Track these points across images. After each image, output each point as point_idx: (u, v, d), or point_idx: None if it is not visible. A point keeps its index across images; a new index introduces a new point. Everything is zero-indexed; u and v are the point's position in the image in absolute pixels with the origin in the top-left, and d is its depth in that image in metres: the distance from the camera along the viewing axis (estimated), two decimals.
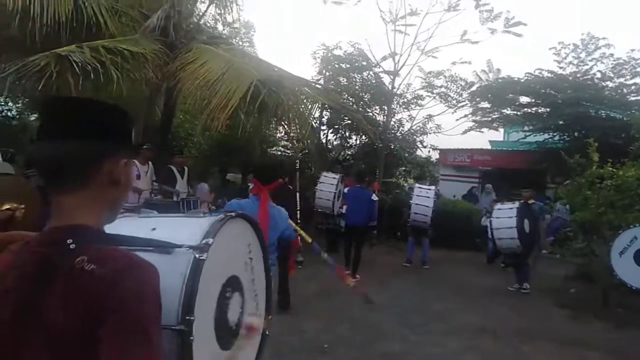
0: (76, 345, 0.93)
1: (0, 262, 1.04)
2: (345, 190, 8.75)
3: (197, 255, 1.21)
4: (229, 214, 1.44)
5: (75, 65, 6.39)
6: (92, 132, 1.03)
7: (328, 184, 9.14)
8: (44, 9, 6.84)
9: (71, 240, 0.99)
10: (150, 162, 7.69)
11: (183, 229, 1.33)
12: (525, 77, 13.01)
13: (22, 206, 2.76)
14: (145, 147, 7.49)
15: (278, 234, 3.36)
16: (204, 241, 1.25)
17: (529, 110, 13.93)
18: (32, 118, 12.96)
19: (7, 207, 2.72)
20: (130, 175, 1.15)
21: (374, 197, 7.99)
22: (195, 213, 1.47)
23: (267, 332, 1.69)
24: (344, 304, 6.35)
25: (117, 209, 1.14)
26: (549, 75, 12.86)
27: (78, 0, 7.29)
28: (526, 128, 14.52)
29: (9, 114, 11.89)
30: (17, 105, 12.43)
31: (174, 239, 1.25)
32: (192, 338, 1.14)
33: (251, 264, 1.57)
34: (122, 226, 1.36)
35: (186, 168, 8.24)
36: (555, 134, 13.94)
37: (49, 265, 0.97)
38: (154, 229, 1.36)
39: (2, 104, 11.64)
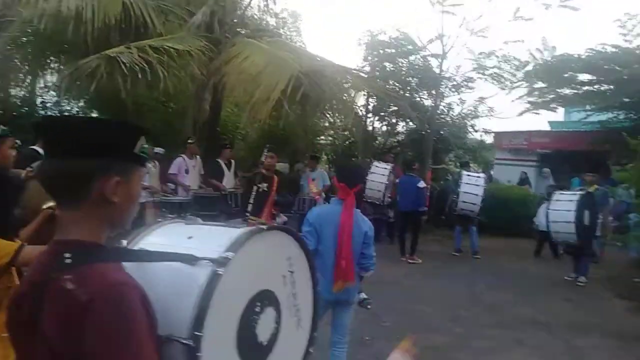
0: (67, 357, 0.96)
1: (28, 270, 1.13)
2: (397, 180, 8.81)
3: (215, 269, 1.19)
4: (261, 226, 1.41)
5: (123, 66, 6.67)
6: (80, 151, 1.04)
7: (379, 174, 9.00)
8: (95, 13, 7.15)
9: (69, 255, 1.00)
10: (198, 156, 7.92)
11: (215, 240, 1.31)
12: (586, 53, 12.14)
13: None
14: (190, 141, 7.71)
15: (360, 242, 3.28)
16: (224, 254, 1.22)
17: (591, 89, 13.01)
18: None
19: (49, 205, 2.89)
20: (132, 193, 1.13)
21: (421, 184, 8.21)
22: (235, 223, 1.46)
23: (310, 350, 1.63)
24: (391, 295, 6.29)
25: (121, 224, 1.15)
26: (613, 49, 11.92)
27: (126, 2, 7.57)
28: (588, 107, 13.61)
29: (69, 114, 12.60)
30: (78, 104, 13.19)
31: (202, 249, 1.24)
32: (199, 355, 1.12)
33: (292, 278, 1.51)
34: (168, 233, 1.41)
35: (233, 161, 8.41)
36: (620, 112, 12.96)
37: (46, 277, 1.00)
38: (190, 237, 1.36)
39: (63, 104, 12.36)
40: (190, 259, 1.21)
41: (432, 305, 5.92)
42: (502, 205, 10.67)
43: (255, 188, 6.22)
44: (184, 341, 1.12)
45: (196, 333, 1.12)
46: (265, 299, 1.38)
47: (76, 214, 1.06)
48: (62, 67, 8.82)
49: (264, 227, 1.43)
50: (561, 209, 7.06)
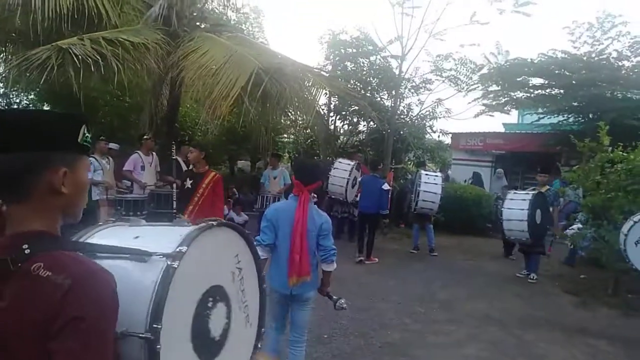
0: (27, 347, 0.95)
1: None
2: (359, 179, 8.78)
3: (169, 263, 1.19)
4: (210, 222, 1.41)
5: (75, 58, 6.40)
6: (23, 144, 1.04)
7: (342, 170, 9.07)
8: (44, 1, 6.83)
9: (27, 246, 1.01)
10: (154, 153, 7.71)
11: (163, 238, 1.31)
12: (538, 58, 12.65)
13: None
14: (146, 137, 7.50)
15: (315, 236, 3.32)
16: (177, 249, 1.22)
17: (543, 92, 13.57)
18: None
19: None
20: (80, 183, 1.13)
21: (385, 187, 8.05)
22: (181, 221, 1.44)
23: (259, 345, 1.65)
24: (349, 292, 6.31)
25: (72, 214, 1.15)
26: (563, 55, 12.46)
27: None
28: (540, 110, 14.19)
29: (18, 106, 12.03)
30: (28, 97, 12.61)
31: (152, 246, 1.24)
32: (159, 347, 1.12)
33: (240, 274, 1.53)
34: (109, 235, 1.38)
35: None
36: (569, 115, 13.58)
37: (4, 269, 0.99)
38: (136, 237, 1.35)
39: (12, 96, 11.78)
40: (142, 255, 1.20)
41: (389, 302, 6.01)
42: (458, 204, 10.97)
43: (182, 185, 6.12)
44: (143, 335, 1.11)
45: (155, 326, 1.12)
46: (216, 294, 1.39)
47: (26, 207, 1.06)
48: (9, 56, 8.36)
49: (214, 223, 1.42)
50: (515, 208, 7.33)
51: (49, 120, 1.12)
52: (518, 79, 12.87)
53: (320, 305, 5.65)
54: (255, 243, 1.98)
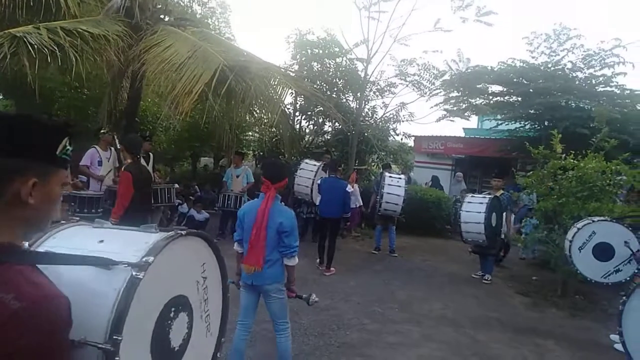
0: None
1: None
2: (319, 181, 8.66)
3: (134, 273, 1.17)
4: (179, 232, 1.39)
5: (30, 47, 6.14)
6: (1, 151, 1.00)
7: (307, 171, 9.08)
8: None
9: None
10: (112, 148, 7.48)
11: (129, 244, 1.28)
12: (498, 66, 13.08)
13: None
14: (103, 132, 7.29)
15: (275, 232, 3.44)
16: (144, 259, 1.21)
17: (501, 99, 14.05)
18: None
19: None
20: (50, 195, 1.08)
21: (349, 188, 7.68)
22: (148, 227, 1.40)
23: (218, 355, 1.65)
24: (307, 292, 6.36)
25: (38, 226, 1.11)
26: (521, 64, 12.95)
27: None
28: (498, 117, 14.68)
29: None
30: None
31: (118, 253, 1.21)
32: (117, 358, 1.10)
33: (204, 284, 1.52)
34: (72, 236, 1.35)
35: (151, 154, 8.06)
36: (526, 122, 14.12)
37: None
38: (101, 241, 1.32)
39: None
40: (107, 263, 1.18)
41: (350, 302, 6.07)
42: (418, 206, 11.20)
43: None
44: (102, 346, 1.10)
45: (115, 337, 1.10)
46: (179, 304, 1.38)
47: None
48: None
49: (183, 232, 1.41)
50: (472, 211, 7.55)
51: (29, 127, 1.06)
52: (478, 86, 13.26)
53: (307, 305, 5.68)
54: None
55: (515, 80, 13.14)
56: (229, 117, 9.91)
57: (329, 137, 14.31)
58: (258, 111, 10.23)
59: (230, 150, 10.90)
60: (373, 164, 15.19)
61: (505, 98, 14.02)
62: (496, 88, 13.80)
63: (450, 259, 9.32)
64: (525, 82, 12.86)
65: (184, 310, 1.40)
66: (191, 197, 10.87)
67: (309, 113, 13.19)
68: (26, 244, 1.18)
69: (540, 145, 7.73)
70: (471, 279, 7.84)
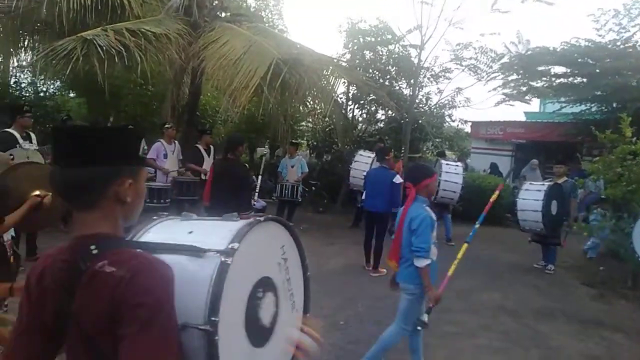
0: (106, 342, 1.06)
1: (39, 266, 1.21)
2: (359, 174, 8.59)
3: (223, 259, 1.27)
4: (258, 218, 1.50)
5: (99, 49, 6.56)
6: (93, 160, 1.15)
7: (363, 163, 9.14)
8: None
9: (94, 247, 1.12)
10: (176, 141, 7.87)
11: (215, 233, 1.39)
12: (561, 47, 12.41)
13: (50, 193, 2.96)
14: (167, 126, 7.66)
15: (408, 231, 3.59)
16: (230, 245, 1.31)
17: (565, 81, 13.34)
18: (67, 98, 13.45)
19: (37, 193, 2.92)
20: (140, 191, 1.25)
21: (397, 180, 6.71)
22: (231, 217, 1.54)
23: (304, 329, 1.72)
24: (367, 281, 6.46)
25: (130, 219, 1.27)
26: (587, 43, 12.22)
27: None
28: (562, 99, 13.97)
29: (44, 94, 12.33)
30: (54, 85, 12.89)
31: (206, 242, 1.32)
32: (217, 338, 1.21)
33: (285, 265, 1.63)
34: (164, 230, 1.47)
35: (212, 147, 8.40)
36: (592, 105, 13.36)
37: (75, 270, 1.11)
38: (190, 232, 1.43)
39: (38, 85, 12.08)
40: (197, 251, 1.29)
41: None
42: (476, 193, 10.92)
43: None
44: (202, 327, 1.20)
45: (213, 319, 1.20)
46: (265, 284, 1.48)
47: (93, 214, 1.17)
48: (37, 45, 8.60)
49: (261, 218, 1.51)
50: (529, 199, 7.31)
51: (119, 135, 1.23)
52: (539, 68, 12.67)
53: (337, 292, 5.81)
54: None
55: (580, 60, 12.44)
56: (283, 109, 10.12)
57: (382, 126, 14.20)
58: (311, 102, 10.34)
59: (285, 141, 11.12)
60: (428, 151, 14.94)
61: (570, 80, 13.31)
62: (559, 69, 13.14)
63: (510, 248, 9.06)
64: (591, 62, 12.15)
65: (270, 290, 1.50)
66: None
67: (362, 102, 13.13)
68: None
69: (608, 129, 7.32)
70: (532, 268, 7.61)
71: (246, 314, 1.39)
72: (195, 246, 1.30)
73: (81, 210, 1.17)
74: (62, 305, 1.11)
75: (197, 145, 8.08)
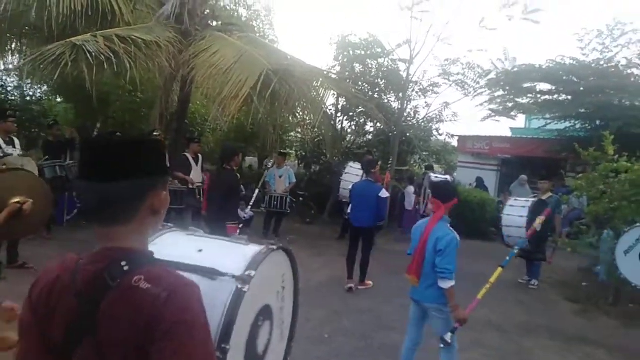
0: (128, 356, 1.04)
1: (43, 281, 1.16)
2: (349, 186, 8.59)
3: (239, 286, 1.26)
4: (271, 246, 1.48)
5: (89, 55, 6.51)
6: (133, 172, 1.12)
7: (353, 175, 9.16)
8: None
9: (125, 263, 1.09)
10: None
11: (228, 256, 1.38)
12: (547, 64, 12.66)
13: (31, 200, 2.91)
14: (155, 134, 7.62)
15: (433, 249, 3.55)
16: (247, 272, 1.29)
17: (550, 98, 13.58)
18: (54, 103, 13.30)
19: (17, 200, 2.87)
20: (166, 201, 1.22)
21: (383, 194, 6.63)
22: (239, 239, 1.53)
23: (287, 359, 1.75)
24: (352, 294, 6.44)
25: (156, 229, 1.30)
26: (572, 61, 12.48)
27: None
28: (547, 116, 14.22)
29: (30, 99, 12.19)
30: (41, 89, 12.74)
31: (219, 264, 1.31)
32: None
33: (282, 293, 1.63)
34: (171, 243, 1.45)
35: (200, 155, 8.36)
36: (576, 122, 13.60)
37: (101, 283, 1.08)
38: (200, 250, 1.42)
39: (25, 88, 11.94)
40: (215, 274, 1.28)
41: (392, 304, 6.07)
42: (462, 207, 11.00)
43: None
44: None
45: (223, 346, 1.20)
46: (265, 313, 1.48)
47: (126, 228, 1.14)
48: (24, 49, 8.51)
49: (274, 247, 1.50)
50: (514, 215, 7.38)
51: (149, 148, 1.19)
52: (525, 85, 12.89)
53: (327, 305, 5.78)
54: None
55: (564, 78, 12.69)
56: (272, 119, 10.11)
57: (370, 138, 14.29)
58: (301, 112, 10.36)
59: (273, 151, 11.13)
60: (415, 164, 15.04)
61: (554, 97, 13.56)
62: (544, 86, 13.38)
63: (495, 263, 9.04)
64: (575, 80, 12.40)
65: (268, 318, 1.50)
66: None
67: (351, 114, 13.21)
68: None
69: (591, 146, 7.45)
70: (517, 284, 7.67)
71: (247, 342, 1.37)
72: (214, 269, 1.29)
73: (114, 225, 1.13)
74: (80, 319, 1.07)
75: (186, 153, 8.03)
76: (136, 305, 1.04)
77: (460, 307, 3.61)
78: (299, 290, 1.75)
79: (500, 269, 4.41)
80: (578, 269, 8.83)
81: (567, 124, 13.92)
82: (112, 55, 6.74)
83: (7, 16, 7.25)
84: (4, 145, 5.55)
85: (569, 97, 12.94)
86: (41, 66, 6.95)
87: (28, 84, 11.37)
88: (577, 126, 13.69)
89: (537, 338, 5.34)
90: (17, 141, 5.98)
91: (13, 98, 11.72)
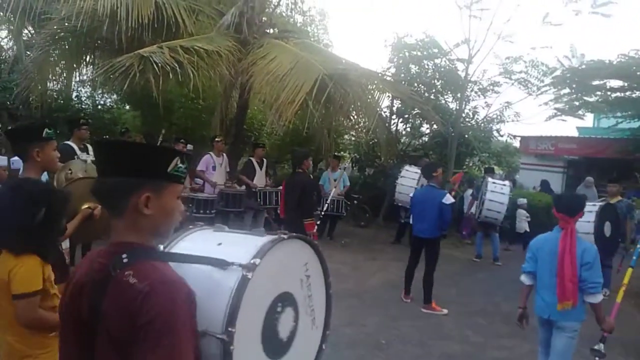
0: (127, 346, 1.12)
1: (81, 267, 1.33)
2: (405, 190, 8.47)
3: (244, 273, 1.34)
4: (282, 235, 1.55)
5: (155, 65, 6.86)
6: (120, 171, 1.24)
7: (409, 179, 9.09)
8: (128, 12, 7.38)
9: (125, 255, 1.20)
10: (224, 154, 8.11)
11: (242, 247, 1.46)
12: (618, 59, 11.87)
13: (99, 206, 3.14)
14: (217, 139, 7.90)
15: (594, 274, 3.35)
16: (252, 260, 1.37)
17: (622, 95, 12.73)
18: (123, 111, 14.14)
19: (87, 205, 3.09)
20: (165, 206, 1.28)
21: (447, 200, 5.98)
22: (259, 231, 1.64)
23: (323, 347, 1.79)
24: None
25: (160, 232, 1.32)
26: None
27: (159, 2, 7.78)
28: (618, 114, 13.35)
29: (102, 107, 13.02)
30: (111, 97, 13.60)
31: (231, 255, 1.40)
32: (232, 347, 1.28)
33: (308, 281, 1.67)
34: (197, 239, 1.58)
35: (265, 160, 8.63)
36: None
37: (106, 274, 1.19)
38: (220, 244, 1.53)
39: (97, 98, 12.77)
40: (222, 264, 1.37)
41: (450, 311, 5.95)
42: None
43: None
44: (219, 336, 1.28)
45: (230, 329, 1.28)
46: (285, 300, 1.54)
47: (122, 222, 1.26)
48: (97, 61, 9.13)
49: (285, 236, 1.56)
50: (581, 220, 6.95)
51: (143, 152, 1.31)
52: (594, 82, 12.15)
53: (378, 310, 5.76)
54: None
55: (638, 73, 11.84)
56: (327, 122, 10.21)
57: (426, 140, 14.04)
58: (355, 116, 10.37)
59: (328, 154, 11.20)
60: (474, 167, 14.59)
61: (627, 94, 12.69)
62: (615, 83, 12.55)
63: None
64: None
65: (290, 305, 1.56)
66: None
67: (406, 116, 13.03)
68: (160, 247, 1.41)
69: None
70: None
71: (264, 327, 1.44)
72: (220, 259, 1.37)
73: (114, 218, 1.26)
74: (95, 305, 1.18)
75: (251, 158, 8.40)
76: (123, 299, 1.13)
77: (607, 317, 3.50)
78: (329, 280, 1.79)
79: (630, 269, 4.28)
80: None
81: None
82: (176, 65, 7.07)
83: (82, 32, 7.80)
84: (78, 152, 5.95)
85: None
86: (112, 77, 7.42)
87: (100, 93, 12.15)
88: None
89: (608, 352, 5.00)
90: (90, 148, 6.40)
91: (86, 107, 12.57)
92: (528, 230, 9.69)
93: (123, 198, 1.23)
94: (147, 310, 1.10)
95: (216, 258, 1.38)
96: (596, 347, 3.49)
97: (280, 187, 8.72)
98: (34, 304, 2.02)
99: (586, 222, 6.79)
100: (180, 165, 1.30)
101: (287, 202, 6.04)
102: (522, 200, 10.24)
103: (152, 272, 1.18)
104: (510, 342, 5.10)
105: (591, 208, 7.00)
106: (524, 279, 3.72)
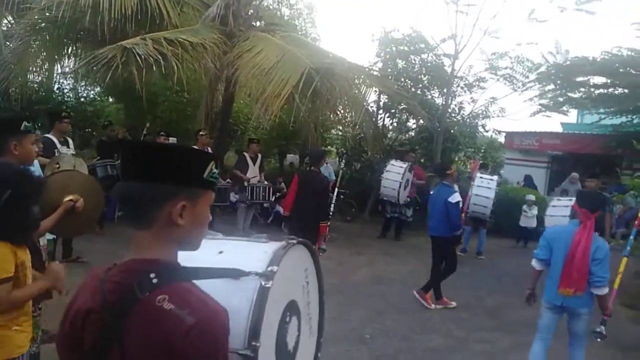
0: None
1: (82, 293, 1.16)
2: (390, 184, 8.55)
3: (263, 283, 1.26)
4: (291, 241, 1.48)
5: (138, 57, 6.75)
6: (152, 176, 1.11)
7: (394, 173, 9.09)
8: (111, 3, 7.25)
9: (154, 275, 1.07)
10: (209, 148, 8.03)
11: (248, 254, 1.39)
12: (602, 56, 12.00)
13: (82, 198, 3.06)
14: (201, 133, 7.83)
15: (602, 269, 3.58)
16: (269, 268, 1.30)
17: (605, 92, 12.90)
18: (106, 104, 13.92)
19: (70, 198, 3.02)
20: (199, 217, 1.17)
21: (453, 199, 5.82)
22: (258, 237, 1.54)
23: (319, 355, 1.74)
24: (393, 293, 6.39)
25: (189, 245, 1.19)
26: (629, 53, 11.77)
27: None
28: (601, 110, 13.53)
29: (84, 100, 12.80)
30: (94, 90, 13.36)
31: (241, 263, 1.31)
32: None
33: (307, 288, 1.63)
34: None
35: (260, 155, 8.61)
36: (634, 117, 12.86)
37: (130, 295, 1.06)
38: (220, 252, 1.42)
39: (80, 90, 12.54)
40: (239, 274, 1.28)
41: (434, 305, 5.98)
42: (509, 206, 10.64)
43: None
44: (242, 352, 1.19)
45: (254, 343, 1.20)
46: (292, 308, 1.49)
47: (148, 234, 1.12)
48: (79, 52, 8.96)
49: (294, 241, 1.50)
50: (557, 215, 7.06)
51: (180, 155, 1.16)
52: (578, 79, 12.28)
53: (368, 305, 5.76)
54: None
55: (621, 70, 11.98)
56: (314, 117, 10.17)
57: (412, 135, 14.07)
58: (342, 110, 10.35)
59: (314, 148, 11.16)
60: (460, 162, 14.68)
61: (610, 90, 12.85)
62: (599, 80, 12.70)
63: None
64: (633, 72, 11.68)
65: (295, 314, 1.50)
66: (278, 193, 11.26)
67: (393, 110, 13.03)
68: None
69: None
70: None
71: (277, 339, 1.37)
72: (237, 269, 1.28)
73: (139, 229, 1.13)
74: (110, 327, 1.06)
75: (244, 153, 8.39)
76: (157, 325, 1.02)
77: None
78: (323, 285, 1.74)
79: (625, 258, 4.57)
80: (635, 273, 8.36)
81: (624, 119, 13.19)
82: (160, 57, 6.97)
83: (64, 22, 7.64)
84: (59, 145, 5.83)
85: (626, 91, 12.22)
86: (94, 68, 7.29)
87: (82, 85, 11.93)
88: (635, 121, 12.95)
89: (590, 346, 5.08)
90: (70, 141, 6.28)
91: (68, 99, 12.34)
92: (534, 226, 9.77)
93: (155, 206, 1.10)
94: (192, 346, 1.01)
95: (231, 269, 1.30)
96: (598, 329, 3.83)
97: (267, 183, 8.74)
98: (6, 291, 1.95)
99: (563, 216, 6.90)
100: (215, 170, 1.19)
101: (299, 202, 5.75)
102: (531, 197, 10.33)
103: (190, 298, 1.06)
104: (492, 336, 5.15)
105: (567, 203, 7.11)
106: (535, 264, 3.96)
